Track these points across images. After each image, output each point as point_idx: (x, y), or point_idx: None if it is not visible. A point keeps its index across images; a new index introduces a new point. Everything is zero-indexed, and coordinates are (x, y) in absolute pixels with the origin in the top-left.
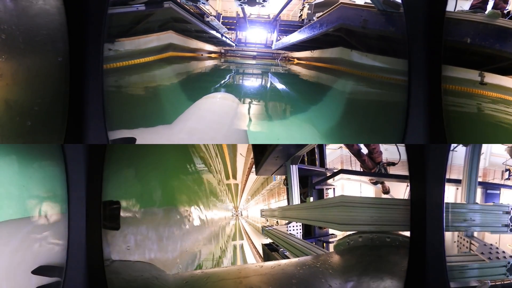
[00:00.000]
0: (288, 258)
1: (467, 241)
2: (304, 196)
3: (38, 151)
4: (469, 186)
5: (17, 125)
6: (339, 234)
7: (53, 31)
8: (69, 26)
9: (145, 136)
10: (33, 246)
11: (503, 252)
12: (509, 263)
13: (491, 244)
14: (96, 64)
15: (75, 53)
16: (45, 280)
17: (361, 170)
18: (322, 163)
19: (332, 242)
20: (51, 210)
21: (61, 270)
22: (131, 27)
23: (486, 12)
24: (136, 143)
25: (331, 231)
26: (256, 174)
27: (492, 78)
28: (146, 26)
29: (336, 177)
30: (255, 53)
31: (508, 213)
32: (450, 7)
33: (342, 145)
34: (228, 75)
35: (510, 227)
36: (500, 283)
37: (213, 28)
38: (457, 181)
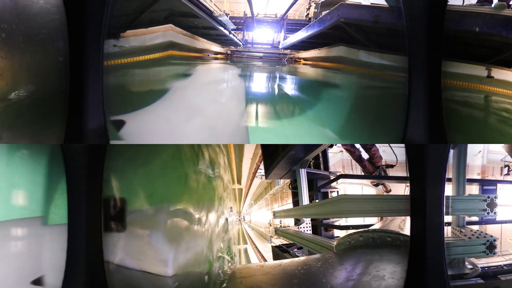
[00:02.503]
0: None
1: (458, 230)
2: (310, 199)
3: (38, 151)
4: (457, 181)
5: (17, 125)
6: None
7: (53, 31)
8: (69, 25)
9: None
10: (31, 249)
11: (486, 234)
12: (488, 241)
13: (476, 230)
14: (96, 63)
15: (75, 52)
16: None
17: (362, 173)
18: (326, 167)
19: None
20: (51, 211)
21: (60, 276)
22: (135, 18)
23: (493, 5)
24: (137, 139)
25: (336, 233)
26: (266, 178)
27: (499, 74)
28: (150, 17)
29: (339, 181)
30: (261, 54)
31: (485, 200)
32: (458, 1)
33: (342, 149)
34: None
35: (487, 211)
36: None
37: (221, 24)
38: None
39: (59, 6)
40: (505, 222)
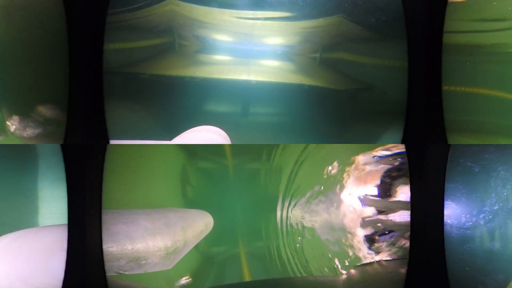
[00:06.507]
0: None
1: None
2: None
3: (37, 151)
4: None
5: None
6: None
7: (52, 29)
8: (68, 24)
9: None
10: (31, 249)
11: None
12: None
13: None
14: (97, 63)
15: (75, 52)
16: None
17: None
18: None
19: None
20: (51, 211)
21: (60, 276)
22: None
23: None
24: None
25: None
26: None
27: None
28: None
29: None
30: None
31: None
32: None
33: None
34: None
35: None
36: None
37: None
38: None
39: (59, 7)
40: None
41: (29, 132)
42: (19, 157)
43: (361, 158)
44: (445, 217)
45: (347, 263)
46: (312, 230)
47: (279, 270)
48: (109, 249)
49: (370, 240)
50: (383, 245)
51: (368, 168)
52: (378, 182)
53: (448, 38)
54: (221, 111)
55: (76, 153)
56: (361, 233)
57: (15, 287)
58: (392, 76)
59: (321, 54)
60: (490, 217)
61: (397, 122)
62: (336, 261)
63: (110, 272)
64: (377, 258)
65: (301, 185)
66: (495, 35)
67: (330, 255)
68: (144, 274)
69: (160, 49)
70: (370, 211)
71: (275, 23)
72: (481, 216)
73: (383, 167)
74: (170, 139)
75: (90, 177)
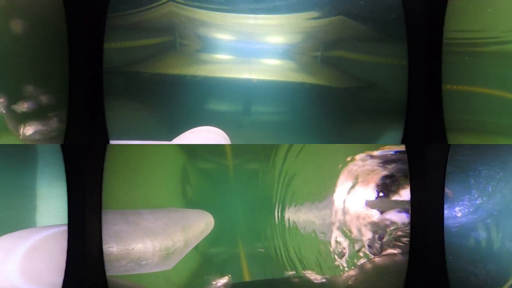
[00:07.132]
0: None
1: None
2: None
3: (38, 151)
4: None
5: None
6: None
7: (52, 29)
8: (68, 23)
9: None
10: (31, 249)
11: None
12: None
13: None
14: (97, 62)
15: (75, 51)
16: None
17: None
18: None
19: None
20: (50, 211)
21: (60, 276)
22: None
23: None
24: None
25: None
26: None
27: None
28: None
29: None
30: None
31: None
32: None
33: None
34: None
35: None
36: None
37: None
38: None
39: (59, 8)
40: None
41: (29, 132)
42: (18, 155)
43: (360, 158)
44: None
45: (346, 263)
46: (311, 230)
47: (279, 270)
48: (109, 249)
49: (369, 240)
50: (383, 245)
51: (367, 168)
52: (377, 182)
53: (448, 38)
54: (223, 110)
55: (76, 153)
56: (360, 233)
57: (15, 287)
58: (393, 74)
59: (323, 53)
60: (472, 210)
61: (397, 122)
62: (336, 261)
63: (110, 272)
64: (377, 258)
65: (301, 185)
66: (495, 35)
67: (329, 255)
68: (144, 274)
69: (161, 48)
70: (369, 211)
71: (276, 21)
72: (459, 209)
73: (383, 167)
74: (171, 138)
75: (90, 177)
